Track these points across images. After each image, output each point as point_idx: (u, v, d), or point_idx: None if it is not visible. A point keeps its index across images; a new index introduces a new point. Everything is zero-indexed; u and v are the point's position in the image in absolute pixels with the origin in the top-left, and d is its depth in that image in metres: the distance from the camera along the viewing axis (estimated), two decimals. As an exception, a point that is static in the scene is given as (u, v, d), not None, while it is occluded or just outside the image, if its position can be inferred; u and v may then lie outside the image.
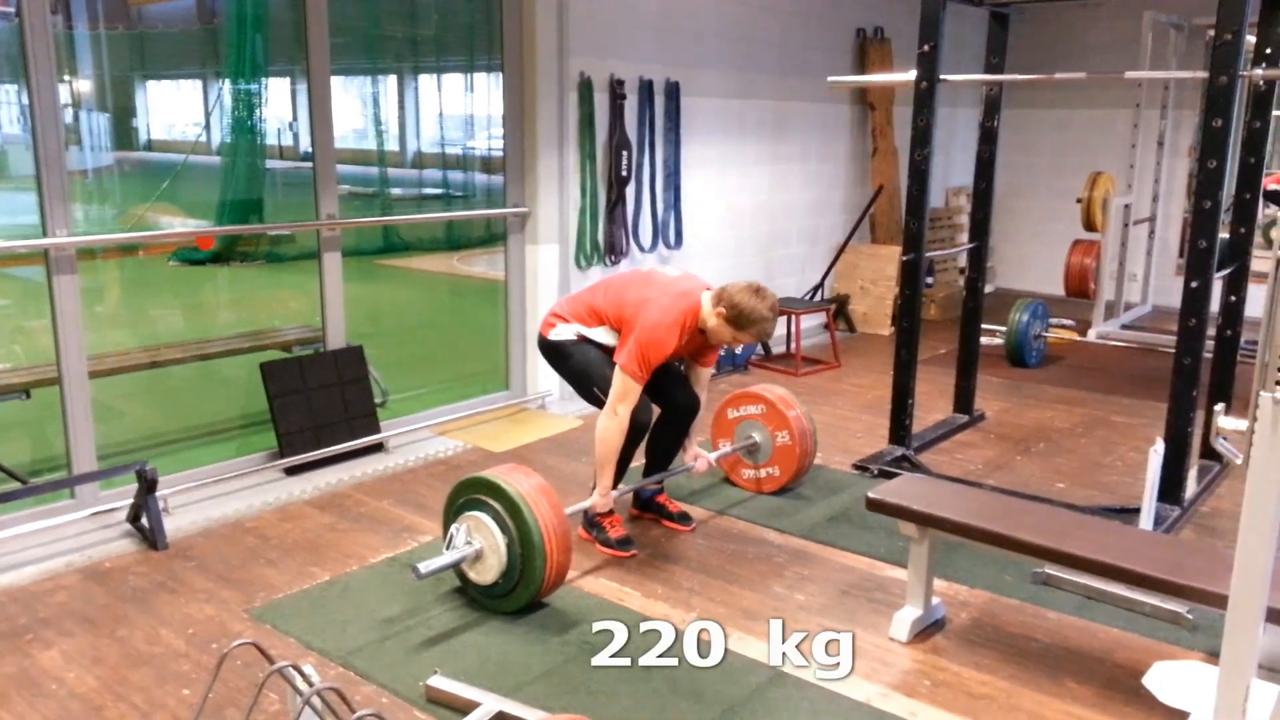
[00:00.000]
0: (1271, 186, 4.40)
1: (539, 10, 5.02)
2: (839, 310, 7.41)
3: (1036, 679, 2.83)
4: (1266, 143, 4.25)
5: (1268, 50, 4.15)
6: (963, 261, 6.28)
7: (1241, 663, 2.04)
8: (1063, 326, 7.15)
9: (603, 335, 3.63)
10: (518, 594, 3.09)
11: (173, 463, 4.25)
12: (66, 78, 6.27)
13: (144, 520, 3.66)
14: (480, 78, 7.27)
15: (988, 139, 4.92)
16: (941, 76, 4.37)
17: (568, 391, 3.88)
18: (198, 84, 8.52)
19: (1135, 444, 4.92)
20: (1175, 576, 2.53)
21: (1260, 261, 4.66)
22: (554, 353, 3.73)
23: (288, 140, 7.46)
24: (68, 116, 6.35)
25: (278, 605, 3.21)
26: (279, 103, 6.90)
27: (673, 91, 5.80)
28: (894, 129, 7.68)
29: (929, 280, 8.10)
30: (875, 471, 4.43)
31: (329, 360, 4.58)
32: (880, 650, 2.98)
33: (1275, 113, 4.38)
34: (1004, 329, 6.50)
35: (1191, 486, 4.09)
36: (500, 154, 5.33)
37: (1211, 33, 3.72)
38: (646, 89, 5.64)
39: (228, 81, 6.20)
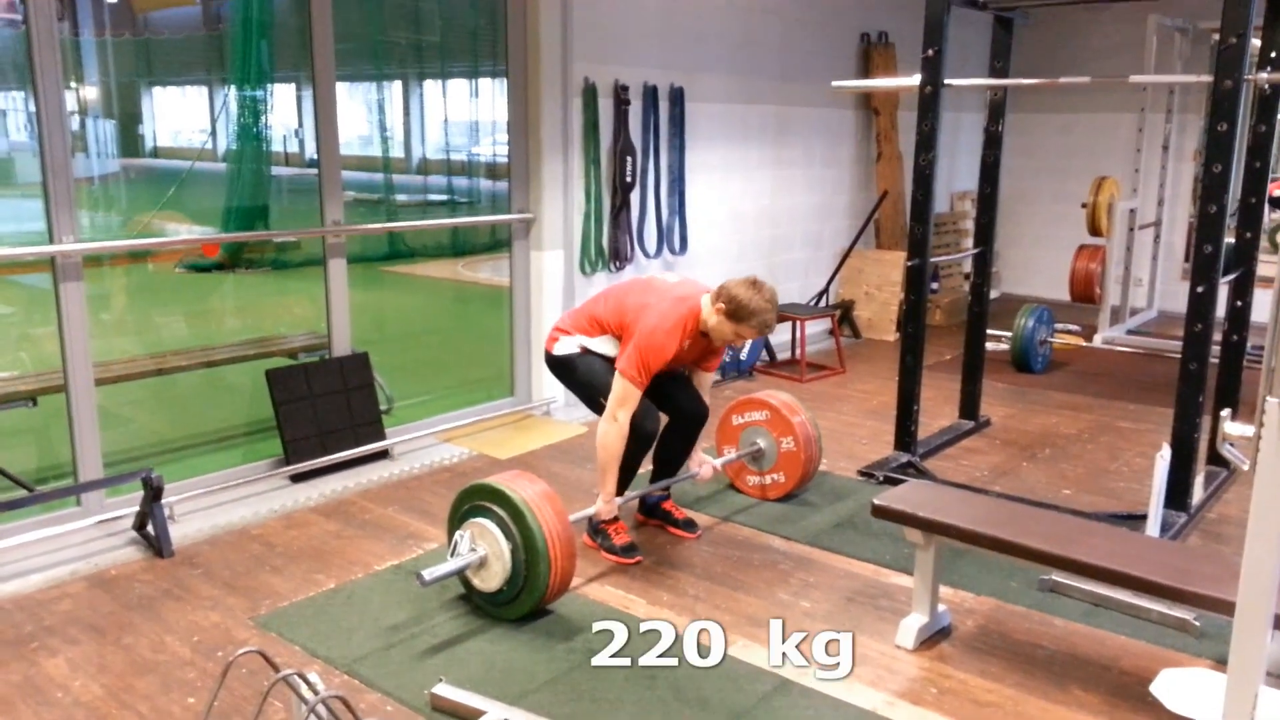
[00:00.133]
0: (1277, 192, 4.39)
1: (543, 16, 5.03)
2: (844, 316, 7.40)
3: (1043, 686, 2.82)
4: (1272, 147, 4.24)
5: (1273, 54, 4.15)
6: (968, 267, 6.28)
7: (1249, 670, 2.03)
8: (1068, 332, 7.14)
9: (605, 345, 3.63)
10: (522, 601, 3.08)
11: (178, 470, 4.26)
12: (73, 84, 6.29)
13: (150, 528, 3.66)
14: (485, 84, 7.28)
15: (992, 144, 4.92)
16: (946, 81, 4.36)
17: (572, 398, 3.88)
18: (203, 90, 8.54)
19: (1142, 450, 4.90)
20: (1182, 583, 2.53)
21: (1266, 266, 4.65)
22: (560, 367, 3.73)
23: (293, 147, 7.47)
24: (74, 123, 6.37)
25: (283, 613, 3.21)
26: (284, 109, 6.91)
27: (677, 97, 5.81)
28: (898, 134, 7.68)
29: (934, 285, 8.09)
30: (880, 478, 4.42)
31: (334, 367, 4.59)
32: (886, 658, 2.97)
33: (1281, 117, 4.37)
34: (1009, 334, 6.49)
35: (1198, 493, 4.08)
36: (505, 160, 5.33)
37: (1216, 36, 3.71)
38: (651, 94, 5.64)
39: (233, 88, 6.21)
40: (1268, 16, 4.12)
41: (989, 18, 4.83)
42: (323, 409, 4.49)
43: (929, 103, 4.37)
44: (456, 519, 3.21)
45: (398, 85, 8.64)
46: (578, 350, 3.67)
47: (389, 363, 5.28)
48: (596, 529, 3.68)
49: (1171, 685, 2.68)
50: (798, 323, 6.44)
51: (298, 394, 4.43)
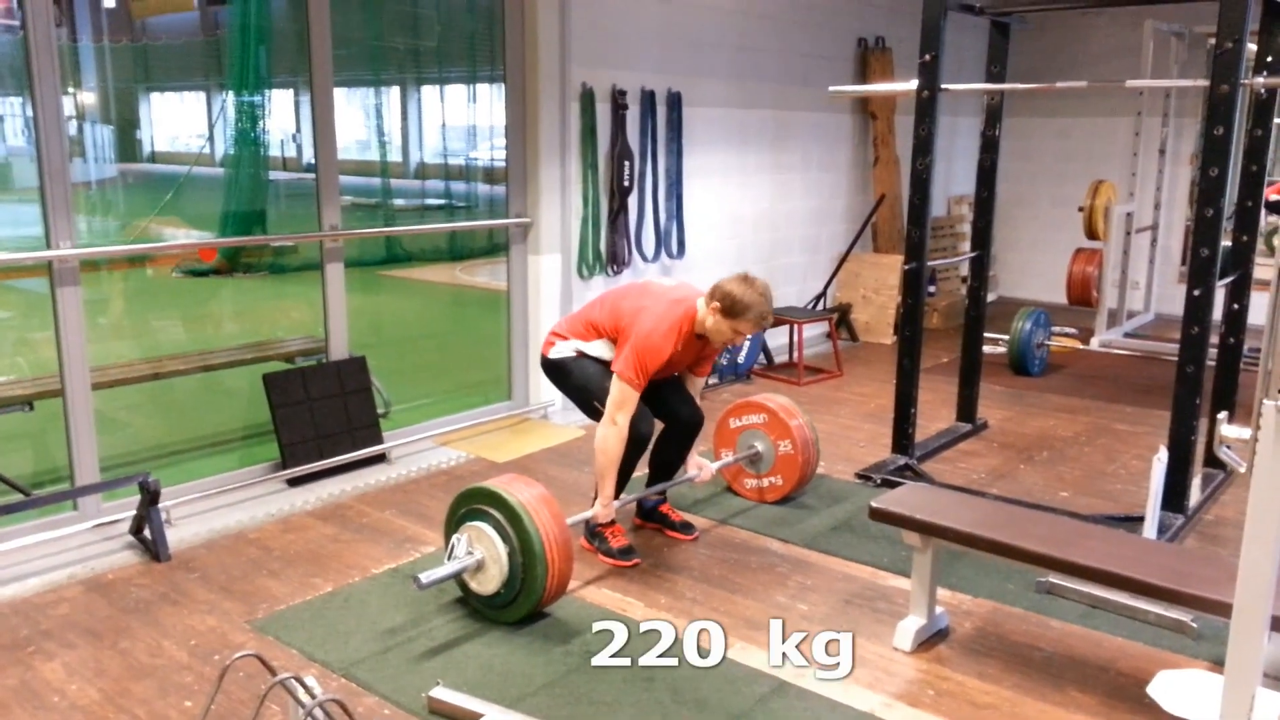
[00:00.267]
0: (1273, 197, 4.40)
1: (541, 21, 5.04)
2: (841, 319, 7.41)
3: (1040, 688, 2.82)
4: (1268, 150, 4.26)
5: (1269, 59, 4.16)
6: (965, 270, 6.28)
7: (1246, 671, 2.04)
8: (1065, 335, 7.15)
9: (601, 349, 3.63)
10: (519, 604, 3.08)
11: (175, 474, 4.25)
12: (71, 90, 6.30)
13: (146, 532, 3.66)
14: (482, 88, 7.30)
15: (989, 148, 4.93)
16: (943, 85, 4.37)
17: (569, 402, 3.88)
18: (201, 96, 8.55)
19: (1138, 452, 4.91)
20: (1179, 585, 2.53)
21: (1263, 269, 4.65)
22: (555, 371, 3.74)
23: (291, 152, 7.49)
24: (72, 128, 6.37)
25: (280, 617, 3.21)
26: (282, 114, 6.93)
27: (674, 101, 5.82)
28: (895, 138, 7.69)
29: (931, 289, 8.10)
30: (878, 480, 4.42)
31: (331, 371, 4.59)
32: (884, 660, 2.97)
33: (1276, 120, 4.38)
34: (1006, 337, 6.49)
35: (1195, 495, 4.08)
36: (502, 164, 5.34)
37: (1213, 41, 3.72)
38: (648, 99, 5.65)
39: (231, 93, 6.21)
40: (1264, 21, 4.14)
41: (986, 23, 4.84)
42: (320, 413, 4.49)
43: (926, 107, 4.38)
44: (454, 522, 3.21)
45: (395, 90, 8.65)
46: (573, 354, 3.67)
47: (386, 367, 5.28)
48: (594, 532, 3.68)
49: (1169, 687, 2.68)
50: (795, 326, 6.45)
51: (295, 398, 4.42)
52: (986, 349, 5.42)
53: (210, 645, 3.03)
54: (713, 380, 5.73)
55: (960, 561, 3.54)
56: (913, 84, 4.42)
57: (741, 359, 6.27)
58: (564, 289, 5.39)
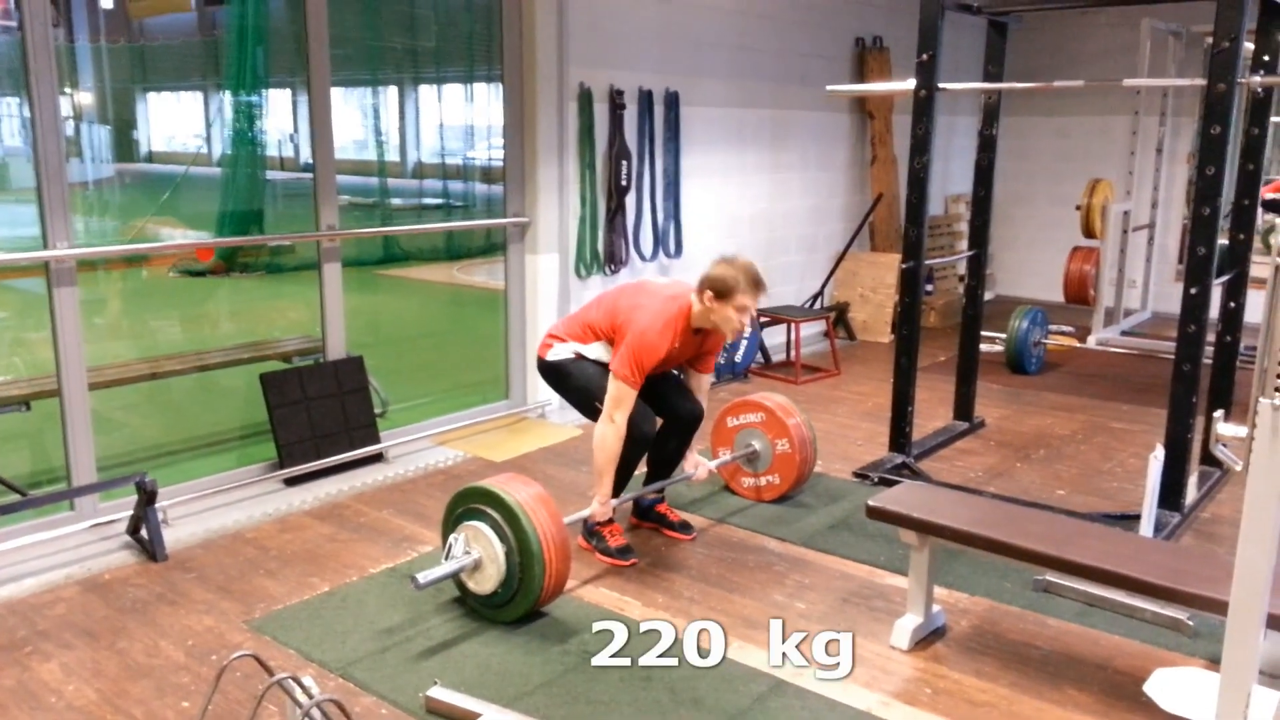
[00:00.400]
0: (1270, 195, 4.41)
1: (538, 21, 5.04)
2: (839, 318, 7.41)
3: (1037, 686, 2.83)
4: (1265, 149, 4.26)
5: (1265, 57, 4.16)
6: (962, 269, 6.28)
7: (1242, 669, 2.04)
8: (1062, 333, 7.15)
9: (599, 351, 3.64)
10: (517, 603, 3.08)
11: (172, 474, 4.25)
12: (68, 90, 6.29)
13: (143, 532, 3.66)
14: (480, 88, 7.29)
15: (986, 147, 4.93)
16: (940, 85, 4.38)
17: (567, 402, 3.88)
18: (198, 96, 8.54)
19: (1135, 450, 4.91)
20: (1176, 583, 2.53)
21: (1259, 267, 4.65)
22: (553, 373, 3.73)
23: (288, 151, 7.47)
24: (69, 129, 6.36)
25: (277, 616, 3.21)
26: (279, 114, 6.91)
27: (672, 101, 5.82)
28: (893, 137, 7.69)
29: (928, 288, 8.10)
30: (875, 479, 4.42)
31: (329, 371, 4.59)
32: (881, 658, 2.98)
33: (1273, 119, 4.39)
34: (1004, 336, 6.50)
35: (1192, 493, 4.09)
36: (500, 164, 5.34)
37: (1210, 40, 3.73)
38: (646, 99, 5.65)
39: (228, 93, 6.21)
40: (1261, 21, 4.15)
41: (983, 22, 4.85)
42: (317, 412, 4.49)
43: (923, 106, 4.38)
44: (451, 522, 3.21)
45: (393, 90, 8.65)
46: (572, 356, 3.67)
47: (384, 366, 5.28)
48: (592, 531, 3.68)
49: (1165, 685, 2.68)
50: (793, 325, 6.45)
51: (292, 398, 4.42)
52: (984, 347, 5.42)
53: (207, 645, 3.03)
54: (711, 378, 5.72)
55: (957, 560, 3.54)
56: (910, 83, 4.42)
57: (739, 358, 6.28)
58: (561, 288, 5.39)
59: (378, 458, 4.68)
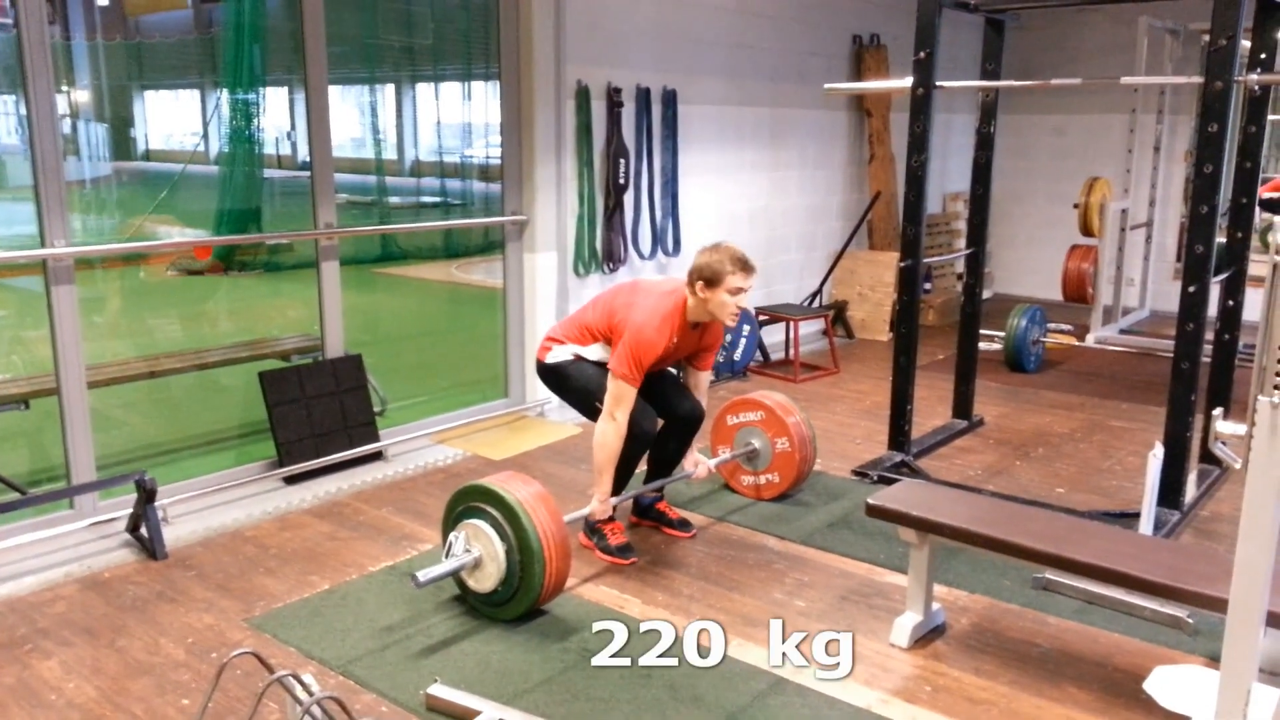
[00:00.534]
0: (1267, 195, 4.41)
1: (536, 19, 5.04)
2: (837, 316, 7.41)
3: (1037, 684, 2.83)
4: (1262, 147, 4.26)
5: (1262, 55, 4.16)
6: (960, 267, 6.29)
7: (1242, 666, 2.04)
8: (1061, 331, 7.16)
9: (598, 352, 3.64)
10: (517, 601, 3.08)
11: (172, 472, 4.25)
12: (64, 88, 6.28)
13: (143, 530, 3.65)
14: (478, 86, 7.28)
15: (984, 145, 4.93)
16: (938, 83, 4.38)
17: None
18: (196, 94, 8.52)
19: (1134, 448, 4.92)
20: (1175, 581, 2.54)
21: (1257, 265, 4.66)
22: (553, 376, 3.73)
23: (286, 149, 7.46)
24: (66, 126, 6.35)
25: (277, 614, 3.20)
26: (277, 112, 6.90)
27: (670, 99, 5.82)
28: (891, 135, 7.69)
29: (927, 286, 8.11)
30: (874, 477, 4.43)
31: (327, 369, 4.58)
32: (880, 656, 2.98)
33: (1271, 117, 4.39)
34: (1002, 334, 6.51)
35: (1191, 491, 4.10)
36: (498, 162, 5.33)
37: (1207, 38, 3.73)
38: (644, 97, 5.65)
39: (225, 91, 6.20)
40: (1257, 18, 4.15)
41: (980, 20, 4.85)
42: (316, 411, 4.48)
43: (921, 104, 4.38)
44: (451, 520, 3.21)
45: (390, 88, 8.63)
46: (570, 358, 3.68)
47: (382, 364, 5.28)
48: (593, 529, 3.68)
49: (1165, 682, 2.69)
50: (791, 323, 6.45)
51: (291, 396, 4.42)
52: (982, 346, 5.43)
53: (207, 643, 3.03)
54: (710, 376, 5.72)
55: (957, 558, 3.54)
56: (908, 81, 4.42)
57: (738, 356, 6.28)
58: (560, 287, 5.39)
59: (377, 456, 4.68)
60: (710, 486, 4.32)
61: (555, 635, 3.06)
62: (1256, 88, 4.11)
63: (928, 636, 3.09)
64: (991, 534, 2.83)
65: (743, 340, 6.28)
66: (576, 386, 3.68)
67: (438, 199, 8.63)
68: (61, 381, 3.76)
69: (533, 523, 3.02)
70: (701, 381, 3.85)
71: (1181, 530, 3.91)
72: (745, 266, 3.44)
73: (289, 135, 7.32)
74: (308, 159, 4.54)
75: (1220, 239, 3.98)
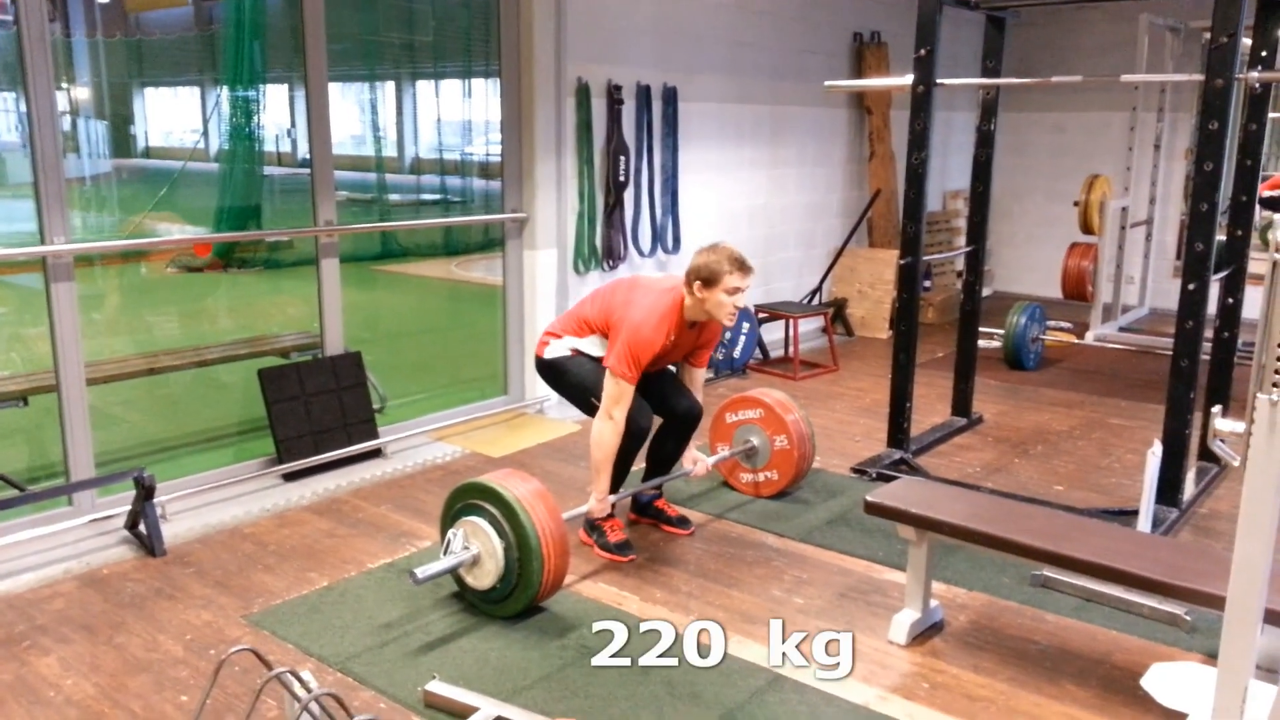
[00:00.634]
0: (1267, 192, 4.40)
1: (536, 16, 5.03)
2: (837, 314, 7.41)
3: (1035, 681, 2.83)
4: (1263, 145, 4.26)
5: (1263, 53, 4.16)
6: (960, 265, 6.28)
7: (1239, 664, 2.04)
8: (1060, 329, 7.15)
9: (594, 345, 3.63)
10: (515, 598, 3.08)
11: (171, 469, 4.25)
12: (64, 85, 6.27)
13: (142, 527, 3.65)
14: (478, 83, 7.27)
15: (984, 142, 4.93)
16: (938, 80, 4.37)
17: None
18: (196, 91, 8.52)
19: (1133, 446, 4.92)
20: (1173, 578, 2.54)
21: (1257, 263, 4.65)
22: (551, 371, 3.73)
23: (286, 147, 7.45)
24: (65, 123, 6.35)
25: (276, 611, 3.21)
26: (277, 109, 6.89)
27: (670, 96, 5.81)
28: (891, 133, 7.69)
29: (927, 284, 8.10)
30: (874, 475, 4.43)
31: (327, 366, 4.58)
32: (879, 653, 2.98)
33: (1271, 115, 4.39)
34: (1002, 332, 6.50)
35: (1189, 488, 4.10)
36: (498, 159, 5.33)
37: (1207, 35, 3.73)
38: (644, 94, 5.65)
39: (225, 88, 6.19)
40: (1258, 16, 4.14)
41: (981, 17, 4.84)
42: (315, 408, 4.48)
43: (921, 102, 4.38)
44: (449, 517, 3.21)
45: (390, 85, 8.62)
46: (568, 353, 3.67)
47: (382, 362, 5.28)
48: (591, 526, 3.68)
49: (1162, 679, 2.69)
50: (791, 321, 6.45)
51: (290, 393, 4.42)
52: (982, 343, 5.42)
53: (206, 640, 3.03)
54: (709, 375, 5.73)
55: (955, 555, 3.54)
56: (908, 79, 4.42)
57: (738, 354, 6.28)
58: (560, 284, 5.39)
59: (376, 453, 4.68)
60: (709, 484, 4.32)
61: (553, 632, 3.06)
62: (1257, 85, 4.11)
63: (926, 634, 3.09)
64: (990, 531, 2.84)
65: (742, 338, 6.28)
66: (573, 382, 3.68)
67: (438, 196, 8.62)
68: (61, 378, 3.76)
69: (531, 520, 3.02)
70: (697, 378, 3.85)
71: (1180, 528, 3.91)
72: (743, 267, 3.44)
73: (289, 132, 7.31)
74: (308, 156, 4.53)
75: (1220, 237, 3.98)
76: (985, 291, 6.08)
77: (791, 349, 6.47)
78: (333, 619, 3.14)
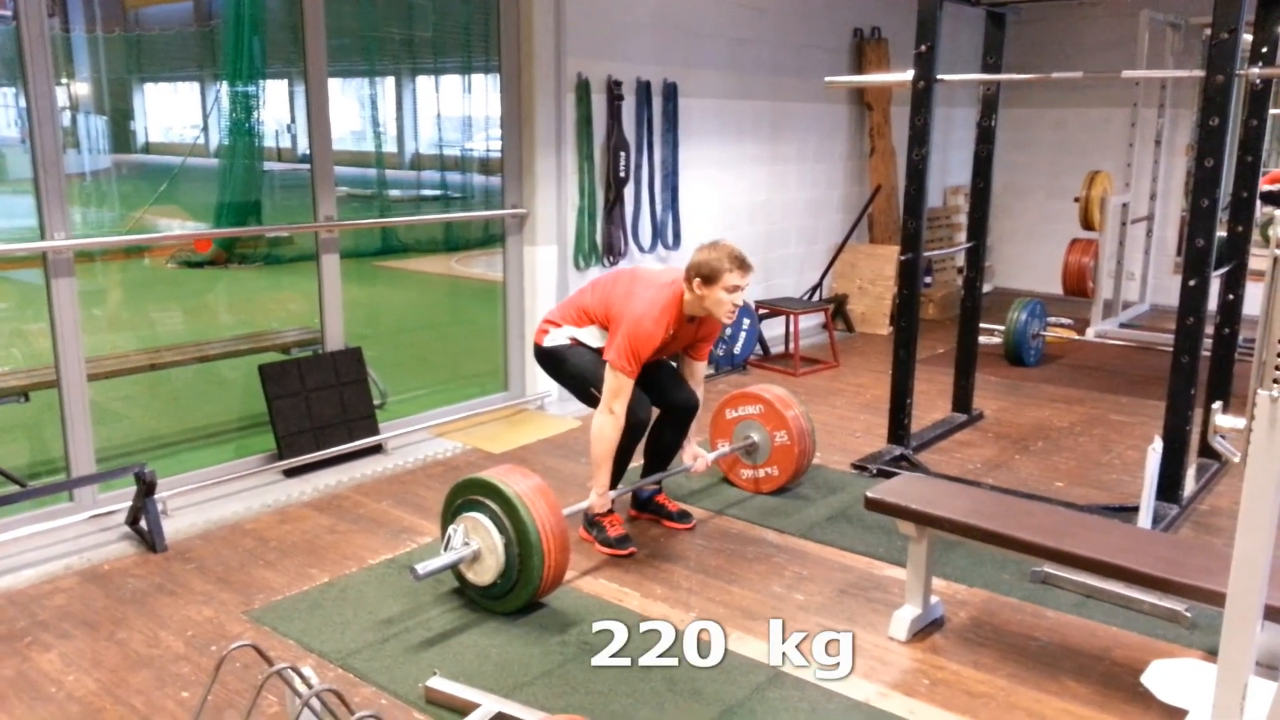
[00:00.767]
0: (1268, 187, 4.40)
1: (536, 12, 5.03)
2: (837, 310, 7.41)
3: (1035, 677, 2.83)
4: (1263, 141, 4.26)
5: (1264, 49, 4.16)
6: (961, 261, 6.28)
7: (1239, 660, 2.05)
8: (1061, 325, 7.16)
9: (593, 335, 3.64)
10: (516, 594, 3.09)
11: (171, 465, 4.25)
12: (64, 80, 6.27)
13: (143, 523, 3.66)
14: (478, 79, 7.26)
15: (985, 138, 4.93)
16: (938, 76, 4.37)
17: (566, 393, 3.89)
18: (195, 86, 8.51)
19: (1134, 442, 4.92)
20: (1173, 575, 2.54)
21: (1258, 259, 4.65)
22: (549, 359, 3.73)
23: (286, 142, 7.45)
24: (65, 119, 6.34)
25: (277, 607, 3.21)
26: (277, 105, 6.89)
27: (670, 92, 5.81)
28: (891, 129, 7.68)
29: (927, 280, 8.10)
30: (874, 471, 4.43)
31: (327, 362, 4.59)
32: (879, 649, 2.98)
33: (1272, 111, 4.38)
34: (1002, 328, 6.50)
35: (1190, 485, 4.10)
36: (498, 155, 5.33)
37: (1208, 31, 3.73)
38: (644, 90, 5.64)
39: (225, 84, 6.19)
40: (1259, 12, 4.14)
41: (982, 13, 4.84)
42: (316, 404, 4.49)
43: (922, 98, 4.38)
44: (450, 513, 3.22)
45: (390, 80, 8.61)
46: (567, 342, 3.68)
47: (382, 358, 5.28)
48: (591, 521, 3.69)
49: (1162, 676, 2.70)
50: (791, 317, 6.45)
51: (291, 389, 4.42)
52: (982, 340, 5.42)
53: (207, 636, 3.03)
54: (709, 371, 5.73)
55: (955, 551, 3.55)
56: (908, 75, 4.41)
57: (738, 350, 6.28)
58: (560, 280, 5.39)
59: (377, 449, 4.68)
60: (709, 480, 4.32)
61: (554, 628, 3.07)
62: (1258, 81, 4.11)
63: (926, 630, 3.09)
64: (990, 527, 2.84)
65: (742, 334, 6.28)
66: (573, 372, 3.68)
67: (438, 192, 8.62)
68: (61, 374, 3.76)
69: (531, 516, 3.02)
70: (697, 371, 3.85)
71: (1180, 524, 3.92)
72: (742, 265, 3.44)
73: (289, 128, 7.30)
74: (308, 152, 4.53)
75: (1221, 233, 3.98)
76: (986, 287, 6.09)
77: (792, 345, 6.47)
78: (334, 615, 3.15)
